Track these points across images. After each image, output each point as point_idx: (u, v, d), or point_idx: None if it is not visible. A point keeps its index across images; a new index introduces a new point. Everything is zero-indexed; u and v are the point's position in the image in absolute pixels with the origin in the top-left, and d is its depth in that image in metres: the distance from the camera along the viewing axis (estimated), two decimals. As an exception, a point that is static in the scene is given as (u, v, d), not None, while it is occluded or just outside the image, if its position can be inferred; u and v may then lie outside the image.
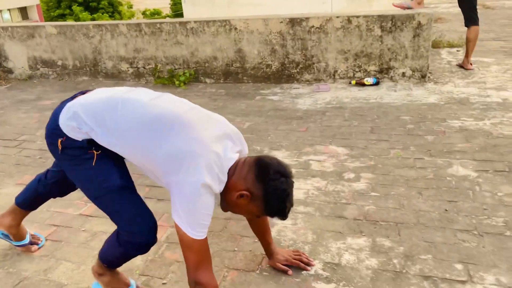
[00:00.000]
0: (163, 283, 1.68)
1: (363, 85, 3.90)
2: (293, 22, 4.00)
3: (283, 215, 1.33)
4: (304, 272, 1.69)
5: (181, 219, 1.23)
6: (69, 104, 1.39)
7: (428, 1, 8.20)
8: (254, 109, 3.58)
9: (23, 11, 27.60)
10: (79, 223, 2.12)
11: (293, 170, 2.44)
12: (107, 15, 28.27)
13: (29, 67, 5.13)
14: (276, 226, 2.00)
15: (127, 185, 1.41)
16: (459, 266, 1.66)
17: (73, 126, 1.35)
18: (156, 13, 33.81)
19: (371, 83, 3.87)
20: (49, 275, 1.77)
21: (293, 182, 1.35)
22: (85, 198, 1.98)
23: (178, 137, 1.27)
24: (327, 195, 2.23)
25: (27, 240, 1.90)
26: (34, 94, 4.57)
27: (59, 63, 4.98)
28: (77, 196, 2.36)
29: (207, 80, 4.45)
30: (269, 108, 3.57)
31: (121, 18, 28.39)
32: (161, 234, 1.95)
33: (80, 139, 1.35)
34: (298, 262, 1.69)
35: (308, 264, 1.70)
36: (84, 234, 2.04)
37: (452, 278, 1.60)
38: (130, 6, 38.05)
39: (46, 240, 2.00)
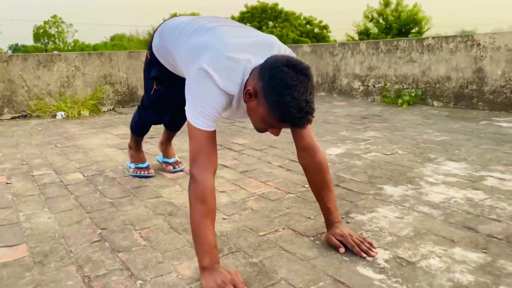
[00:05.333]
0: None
1: None
2: (559, 35, 3.06)
3: (289, 117, 1.05)
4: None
5: (187, 106, 1.22)
6: (159, 28, 1.69)
7: None
8: (467, 129, 2.92)
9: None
10: (214, 169, 2.30)
11: (454, 180, 1.88)
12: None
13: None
14: (374, 213, 1.58)
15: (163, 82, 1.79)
16: None
17: (155, 44, 1.67)
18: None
19: None
20: (159, 189, 2.01)
21: (305, 79, 1.07)
22: (233, 154, 2.44)
23: (201, 35, 1.31)
24: (475, 207, 1.59)
25: (171, 160, 2.30)
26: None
27: (308, 80, 5.51)
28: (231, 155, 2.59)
29: (435, 103, 3.93)
30: (488, 132, 2.83)
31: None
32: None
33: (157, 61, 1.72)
34: (353, 244, 1.29)
35: (367, 253, 1.27)
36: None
37: None
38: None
39: (183, 171, 2.28)
